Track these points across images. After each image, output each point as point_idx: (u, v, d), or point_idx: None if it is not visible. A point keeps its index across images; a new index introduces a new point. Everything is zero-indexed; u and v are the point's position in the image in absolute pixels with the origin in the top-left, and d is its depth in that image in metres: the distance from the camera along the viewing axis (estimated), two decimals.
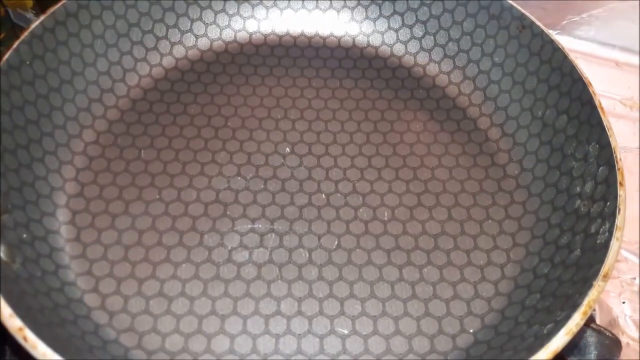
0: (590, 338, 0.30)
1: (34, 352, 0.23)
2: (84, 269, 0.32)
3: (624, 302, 0.36)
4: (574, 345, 0.31)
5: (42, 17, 0.35)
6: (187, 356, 0.30)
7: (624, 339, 0.33)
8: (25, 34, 0.34)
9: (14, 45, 0.33)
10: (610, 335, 0.29)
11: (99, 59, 0.39)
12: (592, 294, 0.26)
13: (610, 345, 0.29)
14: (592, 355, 0.31)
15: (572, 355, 0.32)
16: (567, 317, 0.26)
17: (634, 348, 0.34)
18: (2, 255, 0.28)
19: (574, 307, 0.26)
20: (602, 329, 0.29)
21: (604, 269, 0.27)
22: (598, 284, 0.26)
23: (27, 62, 0.34)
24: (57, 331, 0.27)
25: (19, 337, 0.24)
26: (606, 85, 0.46)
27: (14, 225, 0.31)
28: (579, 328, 0.25)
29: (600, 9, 0.49)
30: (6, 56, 0.33)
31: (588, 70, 0.36)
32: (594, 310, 0.34)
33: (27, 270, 0.29)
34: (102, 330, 0.30)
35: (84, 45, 0.38)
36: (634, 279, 0.37)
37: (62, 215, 0.34)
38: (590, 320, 0.27)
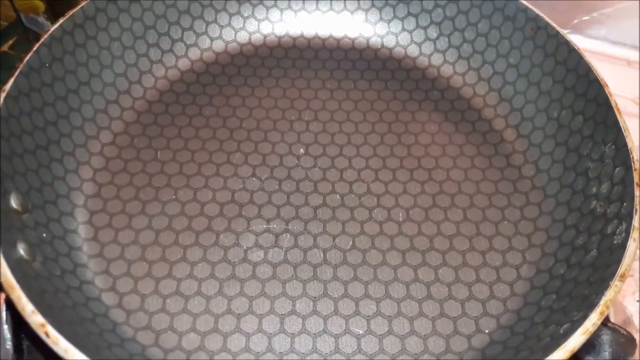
0: (605, 336, 0.30)
1: (56, 348, 0.24)
2: (101, 268, 0.33)
3: (638, 301, 0.35)
4: (589, 343, 0.31)
5: (61, 20, 0.36)
6: (204, 354, 0.30)
7: (638, 337, 0.33)
8: (45, 36, 0.35)
9: (34, 47, 0.34)
10: (625, 333, 0.29)
11: (115, 61, 0.40)
12: (609, 294, 0.26)
13: (625, 344, 0.29)
14: (607, 353, 0.31)
15: (587, 354, 0.32)
16: (584, 317, 0.25)
17: None
18: (23, 253, 0.28)
19: (591, 307, 0.26)
20: (616, 327, 0.29)
21: (622, 269, 0.26)
22: (615, 283, 0.26)
23: (47, 64, 0.35)
24: (77, 329, 0.27)
25: (41, 333, 0.24)
26: (617, 84, 0.45)
27: (35, 225, 0.31)
28: (596, 327, 0.25)
29: (611, 8, 0.49)
30: (27, 58, 0.33)
31: (599, 69, 0.36)
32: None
33: (46, 268, 0.30)
34: (119, 329, 0.30)
35: (101, 48, 0.39)
36: None
37: (80, 215, 0.34)
38: (605, 319, 0.27)
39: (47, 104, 0.35)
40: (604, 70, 0.36)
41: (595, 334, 0.31)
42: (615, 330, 0.31)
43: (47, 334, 0.24)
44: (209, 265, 0.33)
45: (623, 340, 0.31)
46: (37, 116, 0.34)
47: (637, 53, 0.50)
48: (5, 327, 0.32)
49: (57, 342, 0.24)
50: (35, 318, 0.24)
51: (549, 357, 0.24)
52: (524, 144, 0.39)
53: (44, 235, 0.31)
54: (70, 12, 0.36)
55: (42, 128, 0.34)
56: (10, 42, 0.53)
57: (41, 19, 0.51)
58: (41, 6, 0.50)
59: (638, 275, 0.38)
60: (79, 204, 0.35)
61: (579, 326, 0.25)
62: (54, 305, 0.27)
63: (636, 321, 0.36)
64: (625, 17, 0.51)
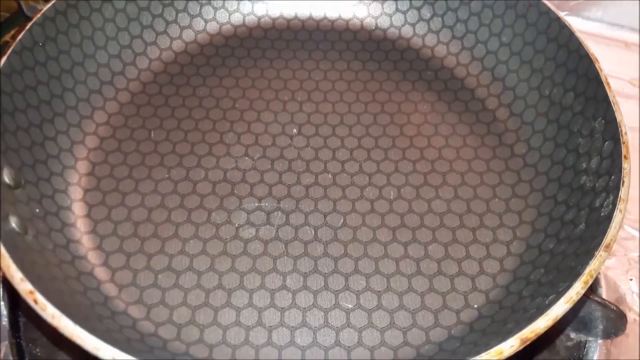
0: (596, 312, 0.30)
1: (43, 314, 0.24)
2: (94, 244, 0.33)
3: (631, 279, 0.35)
4: (580, 320, 0.31)
5: (53, 0, 0.36)
6: (194, 328, 0.30)
7: (630, 316, 0.33)
8: (38, 15, 0.35)
9: (27, 27, 0.34)
10: (615, 309, 0.29)
11: (109, 42, 0.40)
12: (593, 264, 0.26)
13: (616, 319, 0.29)
14: (598, 330, 0.31)
15: (577, 331, 0.32)
16: (569, 287, 0.25)
17: None
18: (14, 226, 0.28)
19: (576, 276, 0.26)
20: (607, 302, 0.29)
21: (606, 240, 0.26)
22: (600, 254, 0.26)
23: (40, 44, 0.35)
24: (67, 300, 0.28)
25: (29, 300, 0.24)
26: (615, 66, 0.46)
27: (27, 200, 0.31)
28: (579, 296, 0.25)
29: None
30: (20, 37, 0.34)
31: (597, 51, 0.36)
32: (601, 287, 0.34)
33: (39, 242, 0.30)
34: (111, 302, 0.31)
35: (95, 29, 0.39)
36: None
37: (74, 192, 0.35)
38: (589, 292, 0.27)
39: (41, 83, 0.35)
40: (601, 52, 0.36)
41: (586, 310, 0.32)
42: (605, 306, 0.31)
43: (35, 301, 0.24)
44: (200, 242, 0.33)
45: (613, 316, 0.32)
46: (31, 94, 0.34)
47: (635, 35, 0.50)
48: (2, 303, 0.33)
49: (45, 308, 0.24)
50: (23, 285, 0.25)
51: (532, 325, 0.24)
52: (516, 122, 0.39)
53: (37, 210, 0.32)
54: None
55: (35, 106, 0.34)
56: (12, 31, 0.53)
57: (41, 7, 0.51)
58: None
59: (633, 254, 0.38)
60: (73, 182, 0.35)
61: (563, 295, 0.25)
62: (44, 276, 0.28)
63: (629, 300, 0.36)
64: None
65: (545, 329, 0.24)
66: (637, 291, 0.35)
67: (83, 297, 0.29)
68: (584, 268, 0.26)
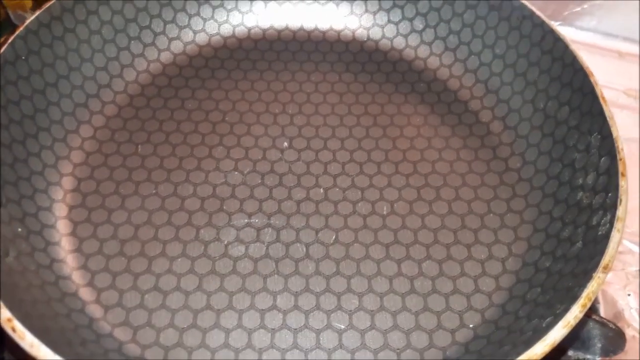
0: (594, 330, 0.29)
1: (22, 343, 0.23)
2: (79, 264, 0.32)
3: (629, 295, 0.35)
4: (578, 338, 0.30)
5: (37, 12, 0.35)
6: (182, 351, 0.30)
7: (629, 332, 0.33)
8: (21, 28, 0.34)
9: (10, 40, 0.33)
10: (613, 327, 0.28)
11: (95, 55, 0.39)
12: (591, 286, 0.25)
13: (614, 338, 0.29)
14: (596, 349, 0.30)
15: (576, 349, 0.31)
16: (566, 310, 0.25)
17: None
18: None
19: (573, 299, 0.25)
20: (605, 320, 0.28)
21: (604, 261, 0.26)
22: (598, 275, 0.25)
23: (23, 57, 0.34)
24: (49, 324, 0.27)
25: (7, 328, 0.23)
26: (609, 76, 0.45)
27: (9, 220, 0.30)
28: (577, 321, 0.24)
29: None
30: (1, 50, 0.33)
31: (591, 61, 0.35)
32: (598, 302, 0.34)
33: (21, 263, 0.29)
34: (96, 324, 0.30)
35: (80, 41, 0.38)
36: (638, 270, 0.36)
37: (58, 209, 0.34)
38: (591, 312, 0.27)
39: (24, 97, 0.34)
40: (595, 62, 0.36)
41: (584, 328, 0.31)
42: (603, 324, 0.31)
43: (13, 329, 0.23)
44: (188, 261, 0.33)
45: (612, 334, 0.31)
46: (13, 109, 0.33)
47: (629, 44, 0.50)
48: None
49: (24, 336, 0.23)
50: (1, 312, 0.24)
51: (529, 351, 0.24)
52: (510, 136, 0.38)
53: (19, 230, 0.31)
54: (47, 4, 0.35)
55: (18, 122, 0.34)
56: (1, 39, 0.52)
57: (29, 16, 0.50)
58: (29, 3, 0.50)
59: (631, 268, 0.37)
60: (58, 199, 0.34)
61: (560, 319, 0.25)
62: (25, 300, 0.27)
63: (627, 315, 0.35)
64: (616, 8, 0.50)
65: (542, 355, 0.24)
66: (636, 307, 0.34)
67: (67, 320, 0.29)
68: (582, 290, 0.25)
